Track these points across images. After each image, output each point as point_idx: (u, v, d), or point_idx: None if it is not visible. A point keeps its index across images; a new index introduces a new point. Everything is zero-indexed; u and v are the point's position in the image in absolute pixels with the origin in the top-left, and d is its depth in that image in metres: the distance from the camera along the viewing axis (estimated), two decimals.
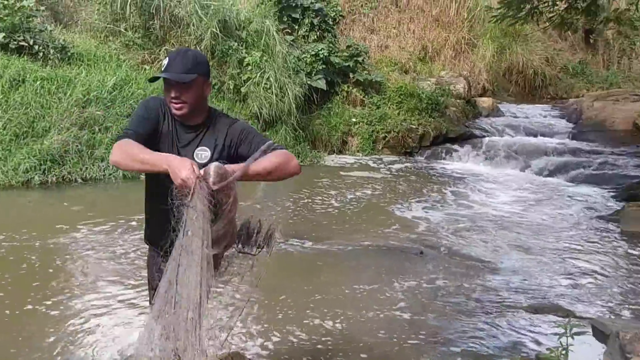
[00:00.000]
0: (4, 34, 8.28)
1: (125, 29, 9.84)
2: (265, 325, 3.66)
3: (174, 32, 9.84)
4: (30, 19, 8.81)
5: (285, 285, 4.36)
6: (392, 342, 3.56)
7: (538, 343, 3.60)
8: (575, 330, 2.87)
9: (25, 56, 8.39)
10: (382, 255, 5.22)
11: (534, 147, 10.13)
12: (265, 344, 3.43)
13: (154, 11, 9.67)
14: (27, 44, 8.49)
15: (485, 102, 12.91)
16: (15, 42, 8.40)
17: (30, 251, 4.69)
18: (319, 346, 3.46)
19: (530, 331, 3.78)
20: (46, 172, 6.86)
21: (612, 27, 13.97)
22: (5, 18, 8.37)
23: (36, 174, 6.76)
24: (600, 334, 3.75)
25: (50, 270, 4.35)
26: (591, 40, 17.88)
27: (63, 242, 4.98)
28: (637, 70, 18.12)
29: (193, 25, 9.40)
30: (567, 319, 3.76)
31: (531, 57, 15.06)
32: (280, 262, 4.84)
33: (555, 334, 3.09)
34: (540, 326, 3.85)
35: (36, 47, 8.61)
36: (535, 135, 11.09)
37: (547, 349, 3.08)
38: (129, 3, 9.55)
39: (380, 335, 3.66)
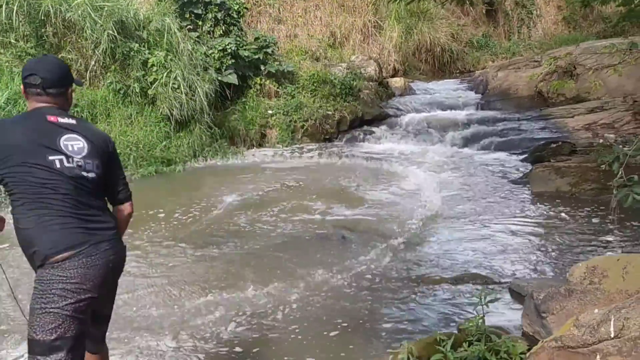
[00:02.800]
0: None
1: (16, 40, 9.17)
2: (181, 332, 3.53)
3: (69, 37, 9.28)
4: None
5: (200, 284, 4.22)
6: (314, 329, 3.54)
7: (460, 314, 3.69)
8: (489, 298, 2.94)
9: None
10: (304, 244, 5.19)
11: (446, 121, 10.44)
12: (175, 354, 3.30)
13: (44, 17, 9.07)
14: None
15: (397, 82, 13.17)
16: None
17: None
18: (246, 339, 3.37)
19: (453, 303, 3.87)
20: None
21: None
22: None
23: None
24: (518, 296, 3.91)
25: None
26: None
27: None
28: (537, 38, 19.15)
29: (88, 28, 8.88)
30: (483, 287, 3.90)
31: (437, 34, 15.50)
32: (196, 263, 4.70)
33: (472, 304, 3.16)
34: (461, 297, 3.96)
35: None
36: (447, 109, 11.42)
37: (466, 320, 3.15)
38: (15, 11, 8.89)
39: (305, 323, 3.62)
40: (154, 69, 8.96)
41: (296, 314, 3.80)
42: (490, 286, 4.12)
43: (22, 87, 2.26)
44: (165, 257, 4.94)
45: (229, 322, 3.70)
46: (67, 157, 2.10)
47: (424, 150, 9.58)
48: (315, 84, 11.10)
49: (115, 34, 8.94)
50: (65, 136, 2.14)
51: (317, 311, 3.83)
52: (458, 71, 16.33)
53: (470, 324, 2.97)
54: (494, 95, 11.67)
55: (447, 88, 13.21)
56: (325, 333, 3.52)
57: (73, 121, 2.23)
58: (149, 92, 8.98)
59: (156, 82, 8.92)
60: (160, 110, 9.00)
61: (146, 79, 9.03)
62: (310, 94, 11.07)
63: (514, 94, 11.33)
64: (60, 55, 9.20)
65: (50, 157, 2.07)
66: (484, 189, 6.91)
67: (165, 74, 8.92)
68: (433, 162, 8.61)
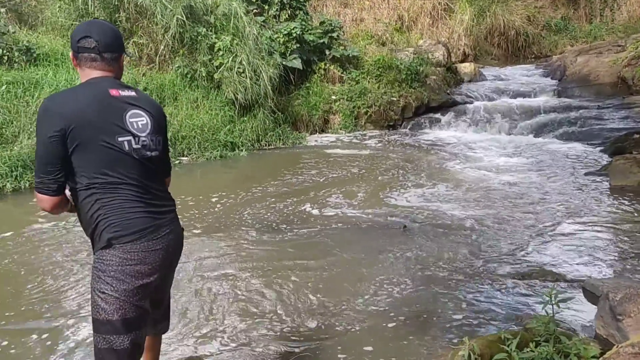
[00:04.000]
0: None
1: None
2: (250, 306, 3.50)
3: (140, 22, 9.53)
4: None
5: (265, 269, 4.19)
6: (379, 320, 3.42)
7: (527, 312, 3.45)
8: (560, 297, 2.71)
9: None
10: (364, 233, 5.05)
11: (519, 109, 9.93)
12: (246, 326, 3.27)
13: (117, 3, 9.35)
14: None
15: (466, 67, 12.69)
16: None
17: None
18: (305, 328, 3.30)
19: (520, 300, 3.63)
20: (18, 178, 6.63)
21: None
22: None
23: (8, 180, 6.54)
24: (592, 296, 3.62)
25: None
26: None
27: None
28: (620, 21, 17.88)
29: (158, 13, 9.08)
30: (554, 284, 3.63)
31: (512, 17, 14.81)
32: (261, 248, 4.68)
33: (542, 302, 2.93)
34: (529, 294, 3.70)
35: (0, 50, 8.32)
36: (520, 97, 10.88)
37: (534, 318, 2.92)
38: None
39: (364, 314, 3.51)
40: (220, 53, 9.04)
41: (355, 303, 3.69)
42: (561, 284, 3.84)
43: (71, 55, 2.09)
44: (225, 242, 4.95)
45: (287, 307, 3.64)
46: (135, 136, 2.02)
47: (493, 139, 9.17)
48: (380, 69, 10.86)
49: (184, 19, 9.08)
50: (130, 112, 2.04)
51: (376, 302, 3.70)
52: (533, 56, 15.56)
53: (539, 323, 2.75)
54: (573, 81, 10.99)
55: (520, 74, 12.60)
56: (384, 324, 3.39)
57: (133, 93, 2.11)
58: (215, 76, 9.08)
59: (222, 67, 9.00)
60: (225, 94, 9.08)
61: (212, 63, 9.13)
62: (375, 79, 10.85)
63: (594, 80, 10.61)
64: (132, 40, 9.49)
65: (120, 138, 1.98)
66: (558, 181, 6.50)
67: (231, 58, 8.98)
68: (503, 152, 8.20)
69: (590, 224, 5.04)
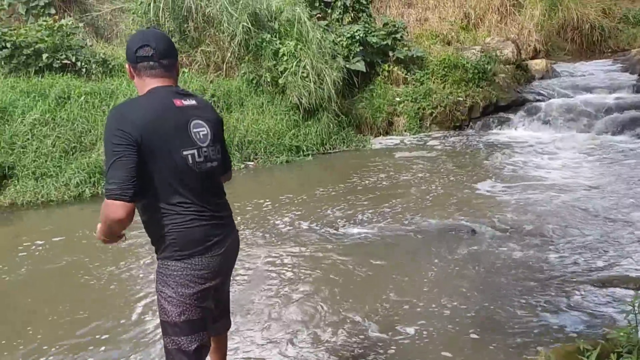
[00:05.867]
0: (47, 55, 8.53)
1: None
2: (320, 310, 3.51)
3: (208, 31, 9.82)
4: (71, 37, 9.03)
5: (340, 273, 4.18)
6: (452, 325, 3.33)
7: (608, 320, 3.25)
8: None
9: (68, 73, 8.63)
10: (432, 236, 4.94)
11: (595, 106, 9.42)
12: (315, 331, 3.27)
13: (186, 13, 9.69)
14: (69, 62, 8.73)
15: (537, 64, 12.19)
16: (59, 61, 8.65)
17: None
18: (375, 333, 3.27)
19: (599, 309, 3.42)
20: (96, 184, 6.99)
21: None
22: (47, 39, 8.62)
23: (87, 187, 6.91)
24: None
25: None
26: None
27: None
28: None
29: (225, 22, 9.33)
30: (636, 292, 3.41)
31: (586, 10, 14.12)
32: (330, 252, 4.68)
33: (622, 311, 2.74)
34: (610, 302, 3.49)
35: (79, 63, 8.84)
36: (596, 93, 10.31)
37: (614, 328, 2.74)
38: (161, 9, 9.61)
39: (439, 318, 3.42)
40: (285, 58, 9.16)
41: (423, 309, 3.61)
42: None
43: (127, 66, 2.11)
44: (291, 246, 5.00)
45: (354, 311, 3.62)
46: (198, 149, 2.04)
47: (568, 138, 8.74)
48: (445, 69, 10.63)
49: (249, 26, 9.28)
50: (193, 122, 2.06)
51: (445, 309, 3.61)
52: (610, 50, 14.72)
53: (621, 333, 2.57)
54: None
55: (596, 69, 11.95)
56: (454, 331, 3.30)
57: (194, 102, 2.12)
58: (280, 81, 9.21)
59: (286, 71, 9.12)
60: (290, 99, 9.19)
61: (277, 69, 9.27)
62: (440, 79, 10.63)
63: None
64: (200, 49, 9.80)
65: (185, 152, 2.00)
66: (637, 181, 6.10)
67: (295, 63, 9.08)
68: (579, 152, 7.80)
69: None
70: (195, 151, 2.03)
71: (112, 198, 1.88)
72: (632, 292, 3.55)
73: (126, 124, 1.90)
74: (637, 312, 2.53)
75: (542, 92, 10.82)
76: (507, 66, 11.40)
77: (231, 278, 2.44)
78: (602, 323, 3.21)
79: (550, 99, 10.48)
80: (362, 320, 3.49)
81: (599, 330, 3.12)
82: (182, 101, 2.07)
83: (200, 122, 2.09)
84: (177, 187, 2.00)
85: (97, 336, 3.46)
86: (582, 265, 4.10)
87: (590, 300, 3.53)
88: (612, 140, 8.28)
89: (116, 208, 1.89)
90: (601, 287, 3.70)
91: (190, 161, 2.01)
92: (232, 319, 2.56)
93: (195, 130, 2.06)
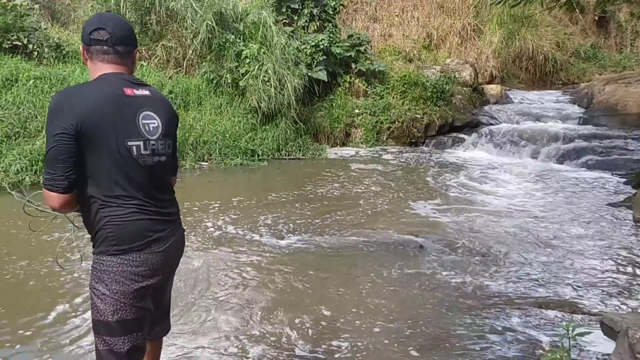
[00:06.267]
0: None
1: None
2: (252, 320, 3.46)
3: (170, 26, 9.65)
4: (24, 18, 8.67)
5: (277, 282, 4.15)
6: (390, 342, 3.34)
7: (543, 342, 3.34)
8: (578, 330, 2.61)
9: (19, 55, 8.27)
10: (381, 250, 4.98)
11: (544, 134, 9.79)
12: (244, 342, 3.22)
13: (149, 6, 9.49)
14: (21, 43, 8.37)
15: (493, 89, 12.58)
16: (9, 42, 8.29)
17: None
18: (302, 347, 3.24)
19: (535, 331, 3.51)
20: (37, 172, 6.71)
21: (627, 2, 13.49)
22: None
23: (27, 174, 6.62)
24: (610, 331, 3.49)
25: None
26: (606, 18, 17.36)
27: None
28: None
29: (189, 18, 9.19)
30: (571, 316, 3.53)
31: (541, 42, 14.67)
32: (271, 260, 4.64)
33: (557, 335, 2.83)
34: (545, 324, 3.59)
35: (30, 46, 8.50)
36: (545, 122, 10.73)
37: (549, 351, 2.83)
38: None
39: (377, 335, 3.43)
40: (247, 61, 9.10)
41: (360, 325, 3.62)
42: (579, 316, 3.72)
43: (81, 48, 1.99)
44: (237, 249, 4.93)
45: (293, 326, 3.59)
46: (145, 141, 1.94)
47: (516, 163, 9.04)
48: (405, 86, 10.83)
49: (214, 25, 9.17)
50: (143, 114, 1.96)
51: (386, 322, 3.62)
52: (560, 82, 15.36)
53: (554, 356, 2.66)
54: (599, 110, 10.82)
55: (547, 99, 12.44)
56: (391, 350, 3.31)
57: (147, 92, 2.01)
58: (240, 83, 9.13)
59: (248, 74, 9.05)
60: (249, 102, 9.13)
61: (238, 71, 9.19)
62: (400, 95, 10.82)
63: (621, 110, 10.43)
64: (161, 44, 9.61)
65: (130, 142, 1.90)
66: (579, 209, 6.36)
67: (257, 67, 9.03)
68: (526, 176, 8.07)
69: (611, 256, 4.90)
70: (141, 143, 1.93)
71: (47, 189, 1.84)
72: (567, 316, 3.67)
73: (67, 111, 1.80)
74: (570, 336, 2.62)
75: (495, 116, 11.17)
76: (465, 88, 11.72)
77: (174, 279, 2.34)
78: (538, 345, 3.30)
79: (502, 123, 10.82)
80: (295, 333, 3.43)
81: (537, 351, 3.20)
82: (134, 90, 1.96)
83: (151, 113, 1.99)
84: (118, 179, 1.90)
85: (12, 334, 3.30)
86: (522, 288, 4.21)
87: (527, 323, 3.62)
88: (557, 168, 8.61)
89: (51, 199, 1.86)
90: (538, 308, 3.81)
91: (135, 153, 1.92)
92: None
93: (144, 121, 1.96)
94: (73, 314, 3.58)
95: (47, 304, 3.71)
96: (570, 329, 2.63)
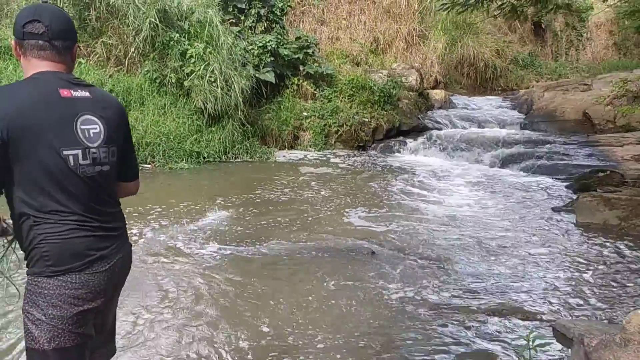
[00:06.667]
0: None
1: None
2: (190, 337, 3.27)
3: (111, 23, 9.22)
4: None
5: (222, 292, 3.97)
6: (337, 353, 3.23)
7: (498, 352, 3.34)
8: (539, 342, 2.60)
9: None
10: (330, 257, 4.89)
11: (487, 139, 10.03)
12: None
13: (88, 1, 9.04)
14: None
15: (437, 94, 12.81)
16: None
17: None
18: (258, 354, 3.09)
19: (491, 337, 3.51)
20: None
21: (561, 13, 14.08)
22: None
23: None
24: (563, 338, 3.53)
25: None
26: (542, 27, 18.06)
27: None
28: (585, 61, 18.53)
29: (130, 15, 8.80)
30: (527, 324, 3.55)
31: (482, 49, 15.11)
32: (220, 268, 4.45)
33: (517, 341, 2.81)
34: (499, 332, 3.59)
35: None
36: (488, 127, 11.02)
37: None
38: None
39: (323, 345, 3.32)
40: (192, 60, 8.82)
41: (314, 333, 3.50)
42: (531, 322, 3.75)
43: (13, 43, 1.77)
44: (182, 259, 4.71)
45: (239, 336, 3.43)
46: (84, 150, 1.73)
47: (461, 167, 9.20)
48: (353, 89, 10.83)
49: (157, 22, 8.84)
50: (82, 118, 1.74)
51: (338, 332, 3.52)
52: (500, 88, 15.88)
53: None
54: (539, 116, 11.21)
55: (488, 104, 12.80)
56: (344, 357, 3.21)
57: (87, 93, 1.79)
58: (185, 83, 8.84)
59: (193, 74, 8.78)
60: (195, 102, 8.85)
61: (183, 70, 8.90)
62: (348, 99, 10.81)
63: (560, 116, 10.84)
64: (100, 40, 9.17)
65: (65, 152, 1.69)
66: (524, 214, 6.51)
67: (202, 67, 8.78)
68: (470, 181, 8.22)
69: (557, 259, 5.01)
70: (79, 152, 1.72)
71: None
72: (521, 322, 3.69)
73: None
74: (531, 347, 2.60)
75: (440, 120, 11.37)
76: (411, 93, 11.86)
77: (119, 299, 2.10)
78: (493, 356, 3.28)
79: (447, 128, 11.02)
80: (234, 355, 3.28)
81: None
82: (72, 91, 1.75)
83: (91, 117, 1.77)
84: (52, 193, 1.68)
85: None
86: (473, 294, 4.21)
87: (482, 331, 3.61)
88: (501, 172, 8.83)
89: None
90: (491, 315, 3.81)
91: (72, 163, 1.70)
92: None
93: (83, 127, 1.74)
94: None
95: None
96: (531, 340, 2.61)
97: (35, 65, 1.75)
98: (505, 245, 5.40)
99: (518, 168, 8.92)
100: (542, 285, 4.44)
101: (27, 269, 1.76)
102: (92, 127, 1.77)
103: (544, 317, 3.84)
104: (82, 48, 9.10)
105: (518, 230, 5.89)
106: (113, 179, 1.91)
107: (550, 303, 4.10)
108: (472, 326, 3.67)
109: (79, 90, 1.78)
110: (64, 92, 1.72)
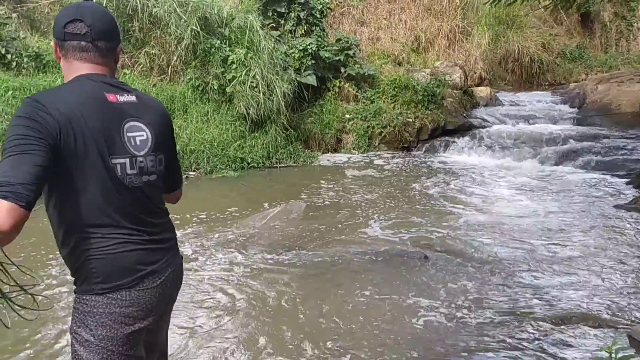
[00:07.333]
0: None
1: None
2: (255, 347, 3.17)
3: (153, 33, 9.32)
4: (2, 27, 8.33)
5: (278, 299, 3.86)
6: None
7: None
8: (622, 354, 2.36)
9: None
10: (382, 262, 4.71)
11: (538, 135, 9.62)
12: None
13: (131, 12, 9.16)
14: None
15: (482, 91, 12.43)
16: None
17: None
18: None
19: (558, 346, 3.27)
20: None
21: (611, 3, 13.46)
22: None
23: None
24: (639, 345, 3.26)
25: None
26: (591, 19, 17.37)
27: None
28: (636, 52, 17.68)
29: (172, 24, 8.87)
30: (598, 332, 3.29)
31: (527, 43, 14.60)
32: (270, 275, 4.35)
33: (588, 348, 2.58)
34: (569, 342, 3.34)
35: (9, 56, 8.15)
36: (538, 123, 10.59)
37: None
38: (105, 5, 9.03)
39: (378, 353, 3.15)
40: (234, 66, 8.80)
41: (369, 340, 3.34)
42: (602, 330, 3.49)
43: (54, 44, 1.65)
44: (232, 264, 4.63)
45: (293, 341, 3.30)
46: (131, 158, 1.62)
47: (512, 166, 8.85)
48: (396, 90, 10.61)
49: (198, 30, 8.88)
50: (128, 125, 1.63)
51: (393, 339, 3.35)
52: (547, 83, 15.31)
53: None
54: (592, 110, 10.71)
55: (536, 100, 12.32)
56: None
57: (133, 97, 1.68)
58: (227, 89, 8.84)
59: (235, 80, 8.76)
60: (237, 108, 8.83)
61: (225, 77, 8.90)
62: (391, 99, 10.59)
63: (615, 109, 10.33)
64: (144, 51, 9.28)
65: (114, 160, 1.58)
66: (585, 214, 6.15)
67: (244, 72, 8.75)
68: (522, 180, 7.87)
69: (625, 262, 4.69)
70: (127, 160, 1.61)
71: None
72: (591, 332, 3.43)
73: (42, 115, 1.44)
74: (614, 358, 2.37)
75: (487, 118, 11.00)
76: (455, 91, 11.53)
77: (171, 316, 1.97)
78: None
79: (494, 126, 10.65)
80: (298, 352, 3.16)
81: None
82: (117, 96, 1.63)
83: (138, 124, 1.66)
84: (100, 204, 1.57)
85: None
86: (537, 300, 3.97)
87: (548, 341, 3.37)
88: (556, 170, 8.44)
89: (2, 213, 1.29)
90: (560, 324, 3.56)
91: (120, 172, 1.59)
92: None
93: (130, 134, 1.63)
94: None
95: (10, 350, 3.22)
96: (614, 351, 2.37)
97: (77, 68, 1.63)
98: (570, 247, 5.10)
99: (573, 165, 8.51)
100: (611, 290, 4.14)
101: (75, 287, 1.65)
102: (139, 135, 1.66)
103: (616, 325, 3.56)
104: (126, 59, 9.24)
105: (579, 231, 5.56)
106: (161, 188, 1.81)
107: (622, 309, 3.80)
108: (537, 332, 3.44)
109: (125, 95, 1.66)
110: (110, 97, 1.61)
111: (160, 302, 1.74)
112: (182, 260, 1.92)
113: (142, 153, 1.66)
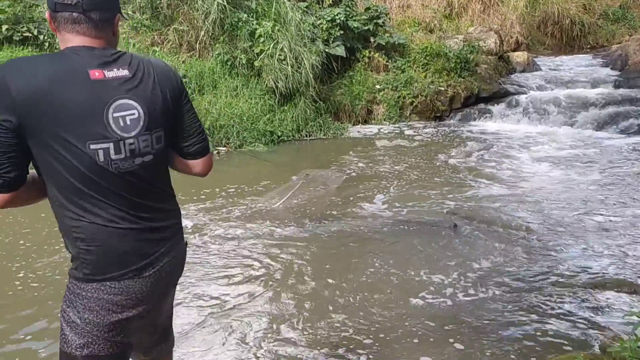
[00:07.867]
0: (7, 26, 7.96)
1: (133, 11, 9.41)
2: (291, 310, 3.19)
3: (181, 9, 9.32)
4: (33, 9, 8.48)
5: (312, 268, 3.86)
6: (429, 330, 3.03)
7: (604, 329, 2.99)
8: None
9: (30, 47, 8.07)
10: (413, 231, 4.65)
11: (578, 100, 9.25)
12: (289, 330, 2.95)
13: None
14: (31, 35, 8.17)
15: (519, 56, 12.01)
16: (19, 34, 8.09)
17: None
18: (348, 334, 2.95)
19: (593, 315, 3.17)
20: None
21: None
22: (7, 10, 8.04)
23: None
24: None
25: None
26: None
27: None
28: None
29: None
30: (635, 298, 3.18)
31: (567, 5, 14.00)
32: (307, 244, 4.35)
33: (622, 321, 2.48)
34: (604, 307, 3.24)
35: (41, 37, 8.29)
36: (577, 88, 10.17)
37: (614, 337, 2.48)
38: None
39: (414, 321, 3.12)
40: (261, 39, 8.74)
41: (403, 308, 3.31)
42: (639, 295, 3.36)
43: (48, 15, 1.50)
44: (263, 235, 4.65)
45: (325, 313, 3.30)
46: (116, 142, 1.47)
47: (550, 133, 8.56)
48: (427, 58, 10.35)
49: (225, 4, 8.82)
50: (116, 103, 1.47)
51: (427, 308, 3.32)
52: (589, 46, 14.70)
53: (624, 347, 2.31)
54: (635, 71, 10.21)
55: (577, 64, 11.84)
56: (437, 334, 3.01)
57: (124, 71, 1.50)
58: (255, 63, 8.79)
59: (263, 54, 8.70)
60: (266, 82, 8.78)
61: (253, 50, 8.85)
62: (422, 68, 10.35)
63: None
64: (172, 27, 9.30)
65: (93, 146, 1.43)
66: (629, 180, 5.91)
67: (272, 45, 8.67)
68: (561, 147, 7.61)
69: None
70: (110, 145, 1.46)
71: None
72: (626, 298, 3.31)
73: (3, 91, 1.36)
74: None
75: (524, 84, 10.64)
76: (489, 57, 11.18)
77: (173, 299, 1.90)
78: (598, 333, 2.95)
79: (531, 91, 10.30)
80: (339, 316, 3.16)
81: (596, 342, 2.86)
82: (106, 72, 1.47)
83: (129, 102, 1.49)
84: (86, 192, 1.47)
85: None
86: (571, 267, 3.85)
87: (583, 306, 3.27)
88: (596, 135, 8.12)
89: None
90: (594, 290, 3.45)
91: (102, 159, 1.45)
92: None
93: (117, 114, 1.47)
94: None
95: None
96: None
97: (69, 41, 1.48)
98: (603, 213, 4.92)
99: (615, 130, 8.16)
100: None
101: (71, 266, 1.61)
102: (128, 113, 1.50)
103: None
104: (155, 36, 9.30)
105: (619, 197, 5.35)
106: (162, 164, 1.67)
107: None
108: (570, 301, 3.34)
109: (115, 69, 1.49)
110: (96, 73, 1.45)
111: (153, 291, 1.65)
112: (185, 247, 1.81)
113: (132, 134, 1.50)
